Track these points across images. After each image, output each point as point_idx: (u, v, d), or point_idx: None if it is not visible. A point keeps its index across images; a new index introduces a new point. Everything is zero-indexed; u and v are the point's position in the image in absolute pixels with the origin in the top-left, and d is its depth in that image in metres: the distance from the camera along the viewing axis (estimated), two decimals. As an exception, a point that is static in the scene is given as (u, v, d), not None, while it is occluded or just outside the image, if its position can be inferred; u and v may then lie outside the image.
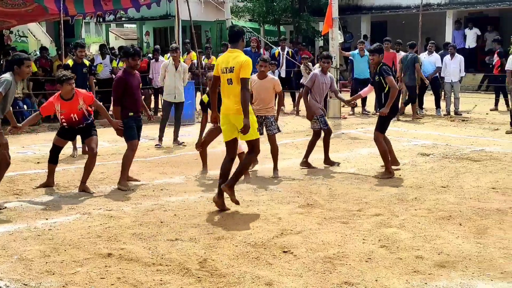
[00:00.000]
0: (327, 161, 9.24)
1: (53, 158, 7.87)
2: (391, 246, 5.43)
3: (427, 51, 15.94)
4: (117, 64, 15.60)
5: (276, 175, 8.47)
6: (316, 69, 10.45)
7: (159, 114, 14.47)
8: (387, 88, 8.50)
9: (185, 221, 6.30)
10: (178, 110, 11.52)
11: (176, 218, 6.41)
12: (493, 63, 15.94)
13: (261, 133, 8.57)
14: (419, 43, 17.97)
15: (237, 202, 6.67)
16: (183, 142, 11.26)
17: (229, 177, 6.74)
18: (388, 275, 4.75)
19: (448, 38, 22.54)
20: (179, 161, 9.66)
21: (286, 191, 7.59)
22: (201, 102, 8.98)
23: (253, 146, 6.86)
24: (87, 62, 11.28)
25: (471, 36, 22.49)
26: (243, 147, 7.67)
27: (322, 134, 9.25)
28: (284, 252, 5.30)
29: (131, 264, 5.03)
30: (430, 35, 21.90)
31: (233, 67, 6.59)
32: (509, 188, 7.55)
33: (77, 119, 7.72)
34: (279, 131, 8.90)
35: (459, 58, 15.39)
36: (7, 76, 6.74)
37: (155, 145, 11.06)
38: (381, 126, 8.63)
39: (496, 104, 16.33)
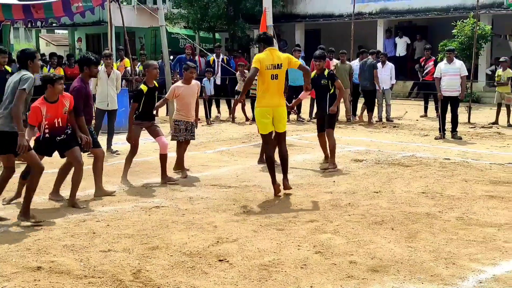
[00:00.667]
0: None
1: (27, 174, 7.17)
2: (326, 252, 5.49)
3: (358, 59, 16.29)
4: (48, 71, 15.19)
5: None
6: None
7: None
8: (332, 90, 9.37)
9: (119, 231, 6.17)
10: (111, 118, 11.32)
11: (109, 228, 6.28)
12: (428, 70, 16.33)
13: (183, 139, 8.79)
14: (351, 51, 18.36)
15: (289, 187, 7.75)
16: (117, 151, 11.06)
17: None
18: (323, 281, 4.80)
19: (380, 46, 23.13)
20: (113, 170, 9.46)
21: (222, 199, 7.56)
22: None
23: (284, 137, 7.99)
24: (9, 69, 10.89)
25: (401, 45, 23.18)
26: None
27: None
28: (219, 260, 5.27)
29: (62, 277, 4.88)
30: (363, 43, 22.40)
31: (281, 64, 7.59)
32: (438, 193, 7.78)
33: (60, 125, 7.15)
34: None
35: (390, 66, 15.81)
36: (29, 73, 6.39)
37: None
38: (331, 123, 9.57)
39: (426, 110, 16.85)
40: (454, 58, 12.86)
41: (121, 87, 12.45)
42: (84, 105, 7.64)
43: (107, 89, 11.15)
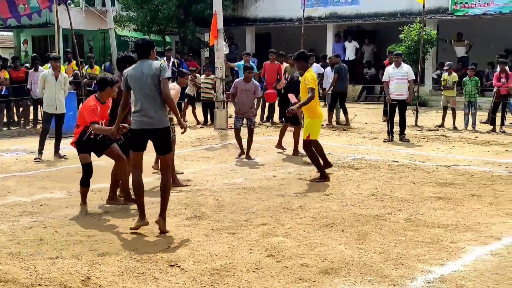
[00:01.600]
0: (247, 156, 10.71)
1: (87, 180, 7.17)
2: (278, 255, 5.50)
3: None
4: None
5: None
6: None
7: (39, 126, 13.87)
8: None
9: (67, 238, 6.04)
10: (59, 122, 11.07)
11: (57, 235, 6.14)
12: None
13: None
14: (292, 58, 18.49)
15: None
16: (64, 155, 10.84)
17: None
18: (275, 284, 4.81)
19: (329, 50, 23.40)
20: (61, 175, 9.28)
21: (173, 203, 7.49)
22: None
23: None
24: None
25: (350, 49, 23.49)
26: None
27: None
28: (171, 265, 5.22)
29: (7, 286, 4.74)
30: (313, 47, 22.62)
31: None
32: (387, 195, 7.91)
33: (103, 125, 7.13)
34: None
35: (328, 71, 15.97)
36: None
37: (34, 159, 10.56)
38: (296, 120, 10.84)
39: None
40: (402, 62, 13.10)
41: (69, 90, 12.20)
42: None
43: (54, 92, 10.91)
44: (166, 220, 6.24)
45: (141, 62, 6.21)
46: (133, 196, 6.99)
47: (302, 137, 9.35)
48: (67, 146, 11.75)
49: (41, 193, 8.03)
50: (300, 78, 9.40)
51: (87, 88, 16.42)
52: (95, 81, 16.67)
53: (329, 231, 6.27)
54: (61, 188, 8.35)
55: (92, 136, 7.14)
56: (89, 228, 6.39)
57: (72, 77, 15.64)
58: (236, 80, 11.16)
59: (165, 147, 6.23)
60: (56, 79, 10.94)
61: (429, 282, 4.85)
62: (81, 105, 15.42)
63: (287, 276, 4.98)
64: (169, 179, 6.35)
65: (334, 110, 15.88)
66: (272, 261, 5.33)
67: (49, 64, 11.96)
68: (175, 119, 8.82)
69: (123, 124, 6.66)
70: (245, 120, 10.81)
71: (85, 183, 7.18)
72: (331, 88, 15.61)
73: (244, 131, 10.87)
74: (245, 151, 10.68)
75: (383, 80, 13.33)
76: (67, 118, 11.60)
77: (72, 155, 10.91)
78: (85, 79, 15.96)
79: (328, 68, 16.05)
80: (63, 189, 8.28)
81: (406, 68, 13.01)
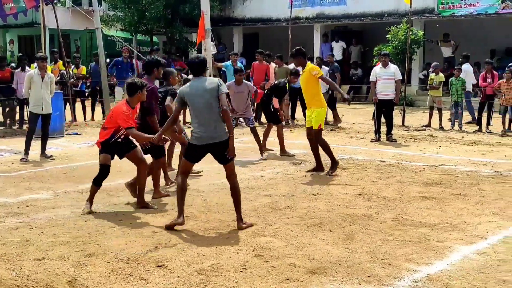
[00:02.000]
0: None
1: (101, 180, 7.22)
2: (265, 255, 5.50)
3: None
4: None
5: None
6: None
7: (25, 126, 13.78)
8: None
9: (53, 238, 6.00)
10: (45, 122, 10.99)
11: (43, 236, 6.09)
12: None
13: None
14: (289, 56, 18.49)
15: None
16: (51, 156, 10.77)
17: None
18: (263, 284, 4.81)
19: (316, 50, 23.45)
20: (47, 176, 9.22)
21: (160, 204, 7.47)
22: None
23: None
24: None
25: (337, 49, 23.55)
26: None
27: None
28: (158, 266, 5.20)
29: (-7, 288, 4.70)
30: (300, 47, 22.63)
31: None
32: (374, 195, 7.93)
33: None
34: None
35: (325, 70, 16.01)
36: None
37: (21, 159, 10.49)
38: (277, 119, 11.28)
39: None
40: (389, 62, 13.15)
41: (55, 90, 12.13)
42: (155, 105, 7.69)
43: (41, 92, 10.82)
44: (242, 219, 6.45)
45: (198, 79, 6.39)
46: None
47: (313, 127, 9.43)
48: (53, 147, 11.73)
49: (27, 194, 7.97)
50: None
51: (74, 89, 16.37)
52: (81, 81, 16.65)
53: (316, 231, 6.28)
54: (47, 189, 8.29)
55: (119, 140, 7.16)
56: (75, 229, 6.35)
57: (59, 77, 15.55)
58: (228, 83, 11.17)
59: (226, 157, 6.36)
60: (42, 79, 10.86)
61: (416, 281, 4.87)
62: (67, 105, 15.39)
63: (275, 276, 4.98)
64: (237, 183, 6.53)
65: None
66: (259, 261, 5.33)
67: (35, 64, 11.87)
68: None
69: (165, 136, 6.82)
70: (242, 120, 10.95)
71: (97, 182, 7.22)
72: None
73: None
74: (259, 151, 10.88)
75: (370, 80, 13.36)
76: (53, 118, 11.54)
77: (59, 155, 10.89)
78: (72, 79, 15.90)
79: (324, 67, 16.11)
80: (50, 190, 8.23)
81: (393, 68, 13.06)
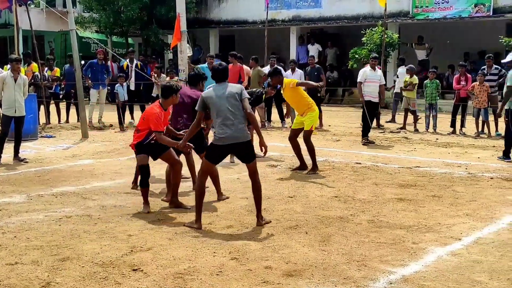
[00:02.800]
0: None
1: (146, 181, 7.28)
2: (241, 258, 5.49)
3: (269, 65, 16.47)
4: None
5: None
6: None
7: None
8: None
9: (27, 243, 5.91)
10: (18, 124, 10.84)
11: (16, 240, 6.00)
12: None
13: None
14: (265, 57, 18.55)
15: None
16: (24, 159, 10.63)
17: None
18: (239, 287, 4.79)
19: (292, 53, 23.53)
20: (20, 179, 9.09)
21: (136, 207, 7.41)
22: None
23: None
24: None
25: (313, 52, 23.63)
26: None
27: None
28: (133, 270, 5.16)
29: (-36, 294, 4.62)
30: (276, 50, 22.71)
31: None
32: (349, 197, 7.97)
33: (164, 132, 7.18)
34: None
35: (299, 73, 16.07)
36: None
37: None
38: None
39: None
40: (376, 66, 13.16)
41: (29, 92, 11.98)
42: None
43: (14, 94, 10.66)
44: (262, 217, 6.65)
45: (221, 84, 6.61)
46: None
47: (305, 128, 9.71)
48: (27, 149, 11.58)
49: (0, 198, 7.85)
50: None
51: (49, 91, 16.19)
52: (56, 83, 16.47)
53: (292, 233, 6.28)
54: (20, 192, 8.17)
55: (153, 141, 7.19)
56: (49, 233, 6.27)
57: (33, 79, 15.36)
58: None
59: (249, 157, 6.59)
60: (15, 81, 10.71)
61: (391, 283, 4.90)
62: (42, 107, 15.20)
63: (251, 279, 4.97)
64: (259, 181, 6.70)
65: None
66: (236, 264, 5.32)
67: (8, 66, 11.70)
68: None
69: (189, 144, 6.92)
70: None
71: (144, 184, 7.30)
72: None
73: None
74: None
75: (358, 81, 13.14)
76: (27, 121, 11.39)
77: (32, 158, 10.76)
78: (46, 81, 15.71)
79: (289, 71, 16.15)
80: (23, 193, 8.11)
81: (379, 72, 13.12)
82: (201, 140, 7.83)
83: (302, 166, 9.83)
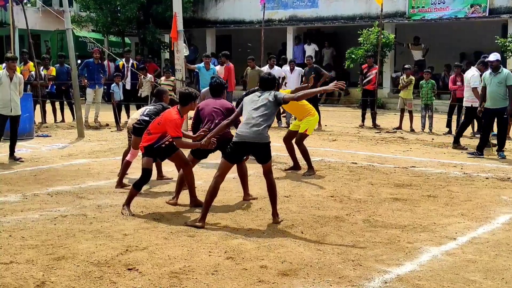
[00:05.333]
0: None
1: (142, 185, 7.19)
2: (237, 257, 5.49)
3: (268, 65, 16.49)
4: None
5: None
6: None
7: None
8: None
9: (22, 242, 5.90)
10: (14, 124, 10.81)
11: (11, 239, 5.99)
12: (370, 78, 16.31)
13: None
14: (261, 57, 18.55)
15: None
16: (20, 158, 10.61)
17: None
18: (234, 287, 4.79)
19: (289, 52, 23.53)
20: (16, 178, 9.07)
21: (131, 206, 7.40)
22: None
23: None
24: None
25: (309, 51, 23.66)
26: None
27: None
28: (129, 269, 5.15)
29: (-42, 293, 4.61)
30: (273, 50, 22.71)
31: None
32: (345, 196, 7.98)
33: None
34: None
35: (299, 71, 16.10)
36: None
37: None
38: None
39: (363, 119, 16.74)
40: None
41: (25, 91, 11.96)
42: None
43: (9, 94, 10.64)
44: (278, 214, 6.76)
45: (264, 92, 6.75)
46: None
47: (299, 130, 9.66)
48: (22, 149, 11.56)
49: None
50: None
51: (46, 90, 16.17)
52: (52, 83, 16.44)
53: (288, 233, 6.29)
54: (16, 192, 8.16)
55: (163, 146, 7.17)
56: (44, 232, 6.26)
57: (29, 78, 15.34)
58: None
59: (264, 157, 6.75)
60: (11, 80, 10.69)
61: (386, 282, 4.91)
62: (38, 106, 15.18)
63: (246, 278, 4.97)
64: (273, 180, 6.87)
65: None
66: (231, 264, 5.32)
67: (3, 65, 11.66)
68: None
69: (213, 139, 6.91)
70: None
71: (138, 187, 7.18)
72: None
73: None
74: None
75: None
76: (22, 120, 11.37)
77: (28, 158, 10.74)
78: (42, 81, 15.69)
79: (288, 71, 16.18)
80: (18, 193, 8.09)
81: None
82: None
83: (296, 166, 9.85)
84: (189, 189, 7.48)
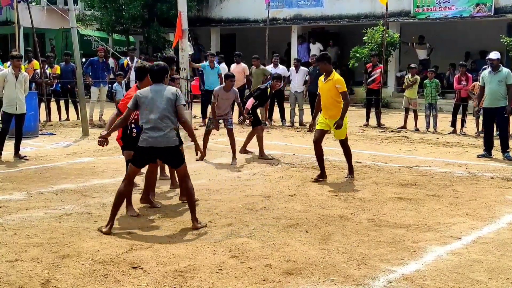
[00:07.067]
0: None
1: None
2: (241, 256, 5.49)
3: (272, 64, 16.49)
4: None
5: None
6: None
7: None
8: None
9: (27, 240, 5.92)
10: (19, 122, 10.83)
11: (16, 237, 6.01)
12: (374, 77, 16.25)
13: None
14: (266, 56, 18.52)
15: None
16: (25, 156, 10.62)
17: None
18: (239, 286, 4.80)
19: (293, 52, 23.51)
20: (21, 176, 9.09)
21: (136, 204, 7.40)
22: None
23: None
24: None
25: (314, 51, 23.62)
26: None
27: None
28: (133, 268, 5.16)
29: (-36, 290, 4.62)
30: (277, 48, 22.69)
31: None
32: (350, 195, 7.97)
33: None
34: None
35: (304, 70, 16.08)
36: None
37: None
38: (257, 121, 11.21)
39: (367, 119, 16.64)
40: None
41: (30, 90, 11.97)
42: None
43: (15, 92, 10.65)
44: (197, 220, 6.46)
45: (156, 85, 6.45)
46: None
47: (340, 137, 9.27)
48: (27, 147, 11.58)
49: (0, 195, 7.86)
50: (319, 80, 9.29)
51: (51, 88, 16.20)
52: (56, 81, 16.47)
53: (293, 232, 6.28)
54: (20, 190, 8.17)
55: (134, 135, 7.09)
56: (49, 230, 6.27)
57: (34, 76, 15.37)
58: (215, 89, 10.87)
59: (176, 162, 6.54)
60: (16, 78, 10.71)
61: (391, 282, 4.90)
62: (42, 104, 15.20)
63: (251, 277, 4.98)
64: (190, 185, 6.54)
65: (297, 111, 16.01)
66: (236, 262, 5.32)
67: (9, 63, 11.69)
68: None
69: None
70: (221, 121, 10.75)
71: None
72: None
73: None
74: (232, 155, 10.49)
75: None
76: (27, 118, 11.37)
77: (33, 156, 10.76)
78: (47, 79, 15.71)
79: (293, 69, 16.18)
80: (23, 191, 8.11)
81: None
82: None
83: (322, 174, 9.07)
84: (146, 185, 7.41)
